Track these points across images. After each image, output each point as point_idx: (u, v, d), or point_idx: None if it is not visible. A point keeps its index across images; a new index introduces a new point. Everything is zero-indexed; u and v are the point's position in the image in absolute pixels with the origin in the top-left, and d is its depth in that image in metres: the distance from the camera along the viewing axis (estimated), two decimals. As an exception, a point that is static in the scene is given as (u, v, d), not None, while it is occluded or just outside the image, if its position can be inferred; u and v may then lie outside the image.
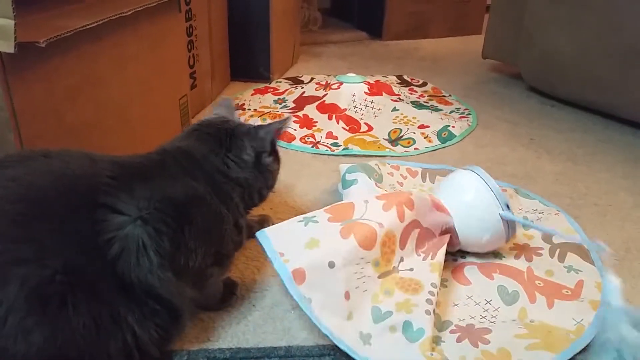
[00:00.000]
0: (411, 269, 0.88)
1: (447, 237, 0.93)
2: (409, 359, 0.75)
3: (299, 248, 0.81)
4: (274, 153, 0.93)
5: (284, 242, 0.82)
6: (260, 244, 0.83)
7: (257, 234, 0.84)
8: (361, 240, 0.82)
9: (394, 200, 0.89)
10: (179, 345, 0.79)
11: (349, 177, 1.13)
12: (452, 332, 0.82)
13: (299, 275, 0.78)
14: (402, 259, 0.88)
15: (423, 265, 0.88)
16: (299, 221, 0.86)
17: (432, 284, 0.85)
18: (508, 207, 0.93)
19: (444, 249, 0.91)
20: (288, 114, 1.03)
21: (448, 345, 0.79)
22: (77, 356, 0.62)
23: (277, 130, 0.90)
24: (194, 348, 0.79)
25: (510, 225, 0.93)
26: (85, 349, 0.62)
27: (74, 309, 0.62)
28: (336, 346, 0.78)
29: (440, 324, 0.84)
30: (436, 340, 0.80)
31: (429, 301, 0.81)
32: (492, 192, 0.92)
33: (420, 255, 0.90)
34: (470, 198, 0.94)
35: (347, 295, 0.80)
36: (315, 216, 0.86)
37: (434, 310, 0.81)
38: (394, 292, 0.83)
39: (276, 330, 0.83)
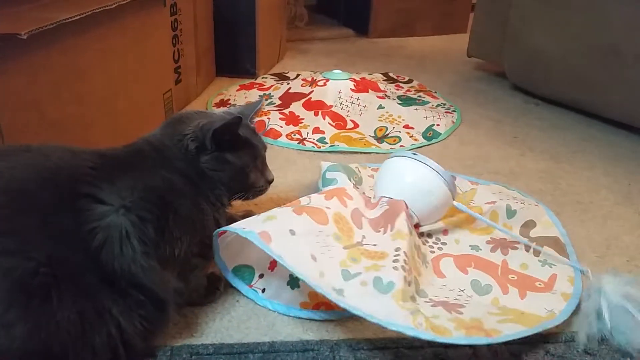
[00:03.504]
0: (375, 244, 0.90)
1: (401, 204, 0.98)
2: (383, 305, 0.75)
3: (258, 222, 0.84)
4: (227, 151, 0.87)
5: (244, 223, 0.85)
6: (224, 230, 0.85)
7: (214, 233, 0.85)
8: (314, 217, 0.88)
9: (333, 192, 0.98)
10: (162, 341, 0.78)
11: (329, 175, 1.14)
12: (426, 302, 0.83)
13: (265, 236, 0.80)
14: (364, 237, 0.92)
15: (385, 239, 0.91)
16: (257, 215, 0.89)
17: (395, 249, 0.86)
18: (443, 170, 1.01)
19: (402, 216, 0.94)
20: (238, 106, 1.02)
21: (422, 307, 0.80)
22: (61, 350, 0.61)
23: (219, 130, 0.84)
24: (177, 344, 0.79)
25: (451, 183, 1.01)
26: (69, 343, 0.62)
27: (58, 302, 0.61)
28: (319, 341, 0.79)
29: (418, 290, 0.85)
30: (412, 299, 0.80)
31: (395, 261, 0.83)
32: (424, 164, 1.00)
33: (379, 231, 0.94)
34: (411, 179, 1.01)
35: (313, 257, 0.81)
36: (270, 212, 0.89)
37: (402, 268, 0.81)
38: (360, 260, 0.85)
39: (260, 325, 0.83)
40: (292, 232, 0.83)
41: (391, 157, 1.07)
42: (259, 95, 1.07)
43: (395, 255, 0.84)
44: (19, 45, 0.83)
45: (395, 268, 0.81)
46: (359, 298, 0.77)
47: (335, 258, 0.84)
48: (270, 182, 0.97)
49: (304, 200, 0.94)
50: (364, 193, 1.09)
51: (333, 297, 0.75)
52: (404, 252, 0.85)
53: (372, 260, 0.85)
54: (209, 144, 0.85)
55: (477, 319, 0.78)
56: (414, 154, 1.03)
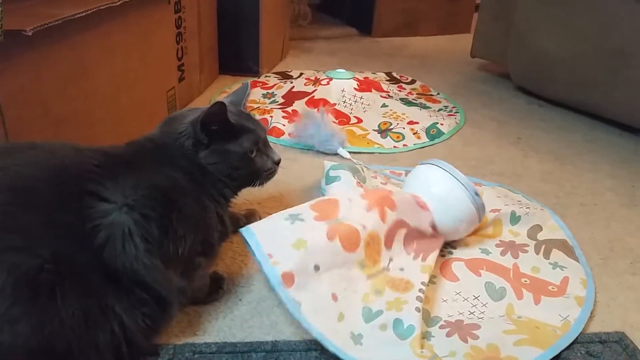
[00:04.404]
0: (402, 269, 0.88)
1: (440, 241, 0.95)
2: (400, 356, 0.75)
3: (287, 248, 0.80)
4: (224, 141, 0.85)
5: (272, 242, 0.81)
6: (247, 242, 0.81)
7: (243, 230, 0.82)
8: (345, 243, 0.83)
9: (376, 201, 0.90)
10: (165, 340, 0.78)
11: (332, 173, 1.14)
12: (441, 327, 0.83)
13: (288, 279, 0.77)
14: (391, 260, 0.89)
15: (414, 265, 0.89)
16: (285, 219, 0.84)
17: (422, 283, 0.85)
18: (476, 193, 0.96)
19: (436, 253, 0.92)
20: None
21: (438, 340, 0.80)
22: (64, 348, 0.61)
23: (204, 119, 0.82)
24: (180, 342, 0.78)
25: (480, 207, 0.97)
26: (73, 340, 0.62)
27: (63, 299, 0.61)
28: (324, 342, 0.79)
29: (430, 320, 0.84)
30: (426, 336, 0.80)
31: (419, 298, 0.82)
32: (457, 180, 0.95)
33: (410, 254, 0.91)
34: (439, 190, 0.96)
35: (334, 297, 0.80)
36: (300, 214, 0.85)
37: (423, 309, 0.81)
38: (384, 291, 0.84)
39: (263, 324, 0.83)
40: (317, 268, 0.80)
41: (423, 163, 1.01)
42: (243, 83, 1.03)
43: (419, 291, 0.83)
44: (24, 41, 0.83)
45: (417, 309, 0.80)
46: (378, 349, 0.76)
47: (359, 292, 0.82)
48: (277, 163, 0.92)
49: (343, 208, 0.87)
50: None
51: (349, 353, 0.74)
52: (425, 289, 0.85)
53: (396, 293, 0.83)
54: (201, 136, 0.83)
55: (494, 346, 0.78)
56: (471, 185, 0.96)
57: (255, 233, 0.81)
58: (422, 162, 1.02)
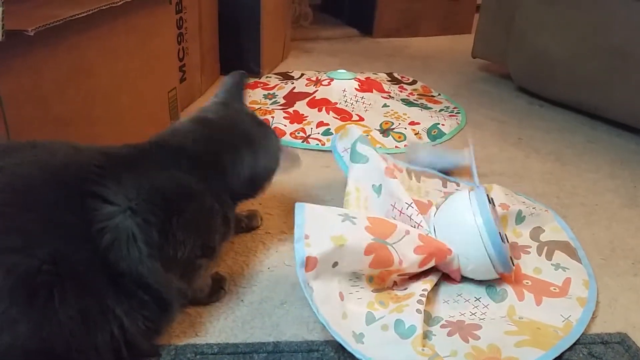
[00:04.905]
0: (405, 288, 0.89)
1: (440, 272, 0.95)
2: (401, 354, 0.75)
3: (325, 238, 0.80)
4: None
5: (315, 226, 0.81)
6: (294, 216, 0.82)
7: (298, 205, 0.83)
8: (375, 262, 0.83)
9: (430, 250, 0.88)
10: (167, 341, 0.78)
11: (360, 149, 1.08)
12: (442, 326, 0.82)
13: (311, 263, 0.78)
14: (395, 283, 0.90)
15: (416, 283, 0.90)
16: (339, 214, 0.85)
17: (423, 290, 0.86)
18: (504, 239, 0.89)
19: (439, 274, 0.93)
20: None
21: (439, 340, 0.79)
22: (64, 349, 0.61)
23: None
24: (181, 343, 0.78)
25: (498, 258, 0.87)
26: (71, 342, 0.61)
27: (61, 300, 0.60)
28: (324, 342, 0.79)
29: (431, 320, 0.84)
30: (427, 335, 0.80)
31: (420, 302, 0.82)
32: (484, 231, 0.87)
33: (413, 280, 0.92)
34: (459, 238, 0.89)
35: (341, 296, 0.81)
36: (355, 217, 0.85)
37: (424, 311, 0.82)
38: (388, 304, 0.84)
39: (264, 325, 0.83)
40: (335, 264, 0.81)
41: (465, 192, 0.93)
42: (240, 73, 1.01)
43: (420, 295, 0.84)
44: (25, 41, 0.83)
45: (418, 311, 0.80)
46: (379, 348, 0.76)
47: (364, 299, 0.83)
48: None
49: (396, 235, 0.86)
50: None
51: (351, 346, 0.75)
52: (426, 294, 0.85)
53: (398, 302, 0.84)
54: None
55: (495, 347, 0.77)
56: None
57: (305, 212, 0.82)
58: (467, 186, 0.96)
